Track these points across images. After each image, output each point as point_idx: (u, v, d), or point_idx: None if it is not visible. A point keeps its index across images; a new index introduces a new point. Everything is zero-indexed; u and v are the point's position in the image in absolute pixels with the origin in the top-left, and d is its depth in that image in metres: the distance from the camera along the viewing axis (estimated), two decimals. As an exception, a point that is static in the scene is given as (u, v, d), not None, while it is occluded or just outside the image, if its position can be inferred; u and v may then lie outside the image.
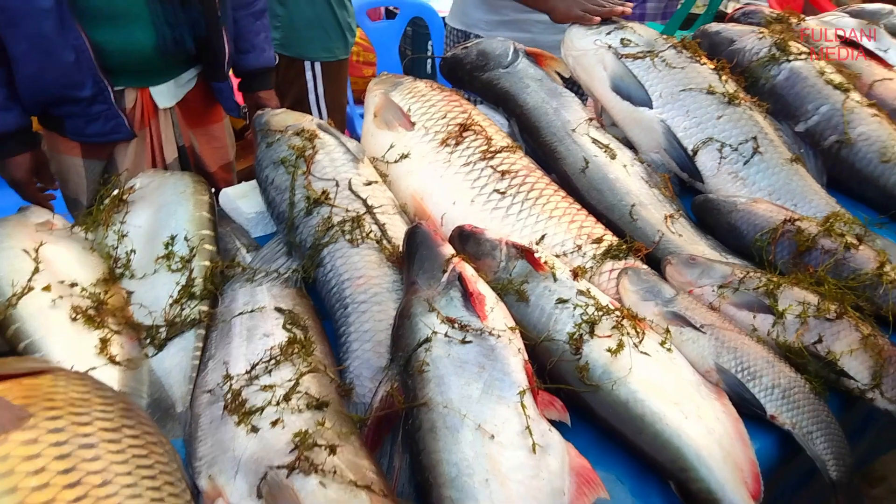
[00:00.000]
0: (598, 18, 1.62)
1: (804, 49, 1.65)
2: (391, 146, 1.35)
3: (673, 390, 0.89)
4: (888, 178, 1.42)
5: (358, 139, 1.36)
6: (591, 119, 1.46)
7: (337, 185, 1.18)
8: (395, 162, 1.33)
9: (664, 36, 1.63)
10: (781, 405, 0.90)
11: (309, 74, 2.31)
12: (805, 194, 1.34)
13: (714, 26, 1.82)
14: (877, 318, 1.06)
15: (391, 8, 3.42)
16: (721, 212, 1.30)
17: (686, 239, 1.25)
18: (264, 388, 0.82)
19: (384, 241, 1.10)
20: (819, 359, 0.96)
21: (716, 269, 1.10)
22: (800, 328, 0.99)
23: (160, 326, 0.98)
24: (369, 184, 1.22)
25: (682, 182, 1.46)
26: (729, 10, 5.76)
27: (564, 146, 1.40)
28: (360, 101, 3.42)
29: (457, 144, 1.31)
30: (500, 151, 1.30)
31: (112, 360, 0.91)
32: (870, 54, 1.81)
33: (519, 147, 1.37)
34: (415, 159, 1.31)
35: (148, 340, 0.97)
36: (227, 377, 0.85)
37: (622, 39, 1.59)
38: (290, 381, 0.82)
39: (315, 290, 1.09)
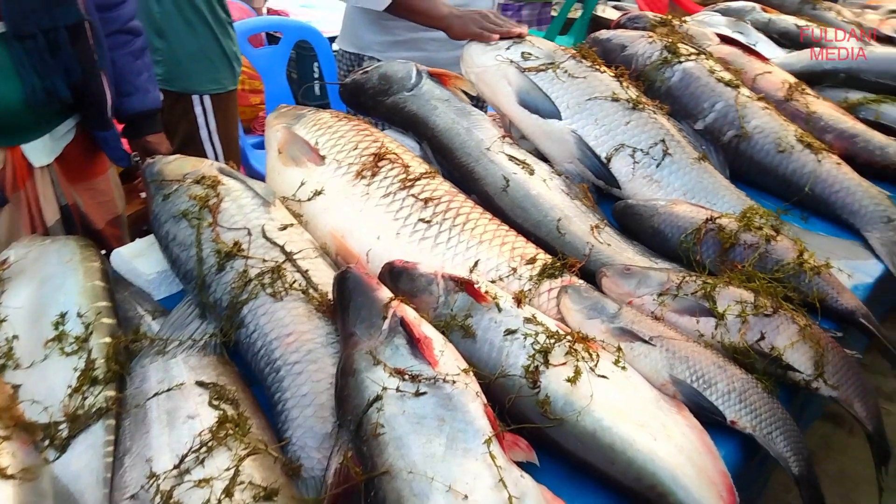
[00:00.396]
0: (497, 36, 1.61)
1: (693, 50, 1.72)
2: (302, 183, 1.26)
3: (637, 412, 0.86)
4: (786, 167, 1.49)
5: (254, 173, 1.26)
6: (503, 136, 1.43)
7: (249, 233, 1.08)
8: (309, 200, 1.24)
9: (562, 46, 1.64)
10: (740, 410, 0.90)
11: (198, 109, 2.16)
12: (717, 191, 1.38)
13: (605, 33, 1.85)
14: (805, 306, 1.09)
15: (273, 33, 3.29)
16: (643, 216, 1.30)
17: (615, 248, 1.24)
18: (199, 483, 0.71)
19: (311, 290, 1.01)
20: (765, 356, 0.97)
21: (652, 276, 1.09)
22: (742, 327, 0.99)
23: (60, 423, 0.84)
24: (285, 228, 1.12)
25: (600, 190, 1.46)
26: (600, 14, 5.99)
27: (482, 166, 1.36)
28: (249, 130, 3.27)
29: (373, 175, 1.24)
30: (419, 178, 1.25)
31: (3, 475, 0.76)
32: (747, 50, 1.91)
33: (437, 172, 1.32)
34: (330, 195, 1.23)
35: (46, 442, 0.83)
36: (152, 475, 0.74)
37: (523, 53, 1.58)
38: (228, 469, 0.72)
39: (238, 355, 0.99)
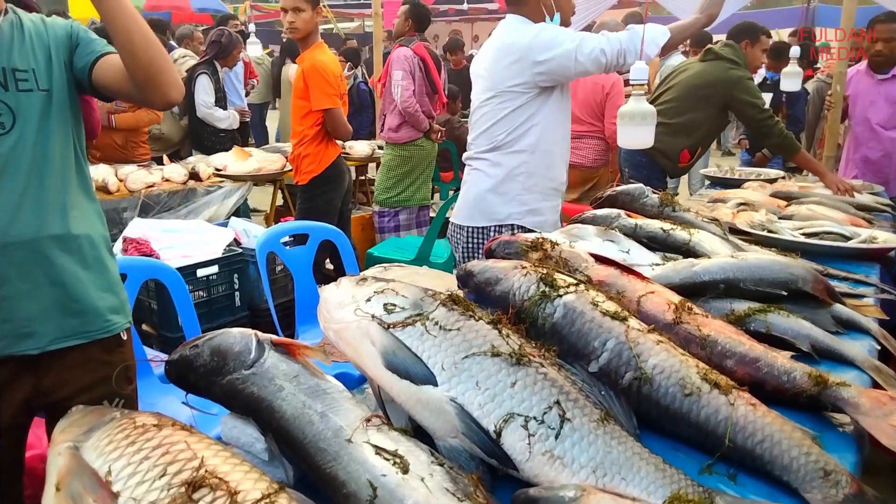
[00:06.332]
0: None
1: (571, 280, 1.59)
2: (84, 539, 0.90)
3: None
4: (697, 414, 1.30)
5: None
6: (369, 418, 1.16)
7: None
8: (90, 567, 0.87)
9: (429, 291, 1.45)
10: None
11: None
12: (632, 463, 1.14)
13: (476, 265, 1.70)
14: None
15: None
16: (551, 512, 1.03)
17: (523, 573, 0.94)
18: None
19: None
20: None
21: None
22: None
23: None
24: None
25: (493, 469, 1.19)
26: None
27: (342, 466, 1.06)
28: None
29: (186, 515, 0.90)
30: (252, 510, 0.92)
31: None
32: (625, 269, 1.82)
33: (281, 487, 1.00)
34: (121, 557, 0.87)
35: None
36: None
37: (385, 305, 1.37)
38: None
39: None
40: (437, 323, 1.33)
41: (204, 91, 5.92)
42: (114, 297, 1.88)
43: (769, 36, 4.32)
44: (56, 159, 1.73)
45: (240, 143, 6.33)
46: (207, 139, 6.07)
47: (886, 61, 4.36)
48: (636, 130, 2.33)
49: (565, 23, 2.82)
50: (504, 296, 1.58)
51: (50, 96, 1.73)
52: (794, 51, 4.25)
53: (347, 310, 1.39)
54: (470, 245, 3.00)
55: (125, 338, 1.95)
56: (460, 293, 1.48)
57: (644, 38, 2.61)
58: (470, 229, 2.98)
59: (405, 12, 5.68)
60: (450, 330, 1.32)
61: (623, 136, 2.43)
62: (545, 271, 1.60)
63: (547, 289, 1.53)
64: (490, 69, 2.79)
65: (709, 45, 4.30)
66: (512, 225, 2.88)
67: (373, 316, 1.35)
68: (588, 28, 5.32)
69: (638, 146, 2.47)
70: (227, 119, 6.15)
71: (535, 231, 2.78)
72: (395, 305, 1.38)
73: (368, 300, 1.40)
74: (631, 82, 2.30)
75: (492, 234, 2.92)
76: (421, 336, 1.31)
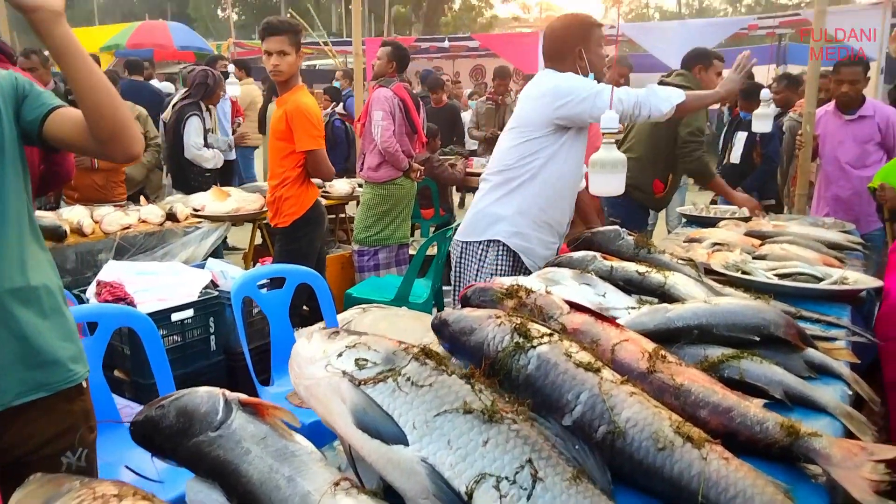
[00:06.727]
0: None
1: (545, 330, 1.58)
2: None
3: None
4: (671, 469, 1.29)
5: None
6: (338, 482, 1.13)
7: None
8: None
9: (402, 345, 1.44)
10: None
11: None
12: (603, 524, 1.13)
13: (452, 315, 1.70)
14: None
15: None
16: (522, 580, 1.01)
17: None
18: None
19: None
20: None
21: None
22: None
23: None
24: None
25: (465, 531, 1.17)
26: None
27: (308, 535, 1.04)
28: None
29: None
30: (212, 587, 0.89)
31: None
32: (599, 317, 1.83)
33: (243, 560, 0.98)
34: None
35: None
36: None
37: (357, 360, 1.36)
38: None
39: None
40: (408, 379, 1.32)
41: (195, 133, 5.99)
42: (73, 345, 1.85)
43: (722, 60, 4.44)
44: (12, 212, 1.70)
45: (219, 182, 6.33)
46: (194, 179, 6.11)
47: (852, 102, 4.49)
48: (607, 178, 2.37)
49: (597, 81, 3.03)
50: (478, 346, 1.57)
51: (2, 148, 1.70)
52: (765, 93, 4.36)
53: (318, 365, 1.38)
54: (462, 260, 3.20)
55: (85, 385, 1.92)
56: (435, 345, 1.47)
57: (658, 94, 2.93)
58: (463, 244, 3.18)
59: (388, 54, 5.77)
60: (422, 386, 1.31)
61: (595, 183, 2.46)
62: (519, 321, 1.59)
63: (521, 339, 1.53)
64: (518, 109, 3.15)
65: (661, 78, 4.40)
66: (499, 242, 3.05)
67: (343, 372, 1.34)
68: None
69: (609, 193, 2.51)
70: (213, 159, 6.23)
71: (519, 254, 3.09)
72: (366, 360, 1.36)
73: (340, 355, 1.38)
74: (602, 131, 2.34)
75: (479, 249, 3.11)
76: (392, 393, 1.30)
